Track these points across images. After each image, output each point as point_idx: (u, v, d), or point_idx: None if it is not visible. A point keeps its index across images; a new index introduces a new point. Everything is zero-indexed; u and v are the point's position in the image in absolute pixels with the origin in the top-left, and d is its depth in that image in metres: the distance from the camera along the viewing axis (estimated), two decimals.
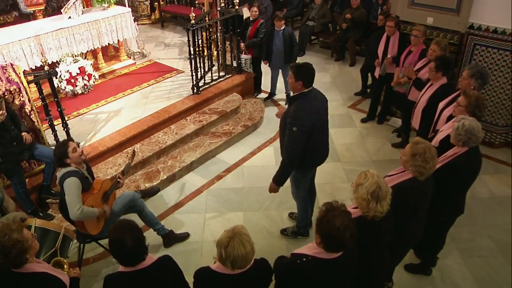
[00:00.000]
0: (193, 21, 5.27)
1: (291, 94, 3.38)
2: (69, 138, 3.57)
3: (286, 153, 3.32)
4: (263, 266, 2.34)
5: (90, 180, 3.43)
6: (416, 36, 4.80)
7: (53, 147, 4.29)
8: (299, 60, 7.08)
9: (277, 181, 3.46)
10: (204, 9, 6.89)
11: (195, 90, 5.75)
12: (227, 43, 6.28)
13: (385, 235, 2.49)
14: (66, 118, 4.58)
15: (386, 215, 2.34)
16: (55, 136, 4.43)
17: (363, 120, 5.94)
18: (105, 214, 3.36)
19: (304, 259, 2.17)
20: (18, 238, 2.15)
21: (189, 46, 5.51)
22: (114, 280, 2.29)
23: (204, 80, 5.97)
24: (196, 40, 5.46)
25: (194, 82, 5.69)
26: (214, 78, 6.03)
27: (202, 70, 5.92)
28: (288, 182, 3.96)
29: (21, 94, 4.04)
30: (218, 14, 6.31)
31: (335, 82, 7.11)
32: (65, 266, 2.75)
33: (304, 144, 3.22)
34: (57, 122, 4.56)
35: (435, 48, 4.41)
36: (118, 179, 3.56)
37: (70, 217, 3.21)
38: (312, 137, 3.23)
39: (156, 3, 9.57)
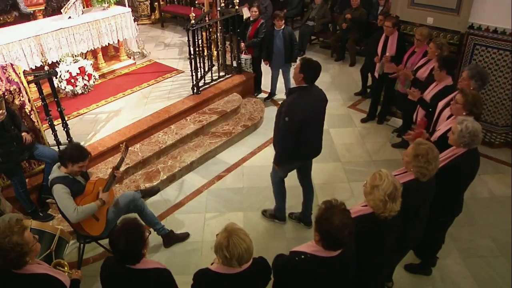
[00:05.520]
0: (193, 21, 5.27)
1: (292, 88, 3.53)
2: (90, 154, 3.34)
3: (280, 139, 3.53)
4: (262, 264, 2.35)
5: (83, 183, 3.37)
6: (419, 40, 4.83)
7: (53, 147, 4.31)
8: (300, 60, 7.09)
9: (276, 162, 3.71)
10: (204, 9, 6.89)
11: (195, 90, 5.75)
12: (227, 43, 6.28)
13: (393, 233, 2.49)
14: (66, 118, 4.58)
15: (397, 214, 2.36)
16: (55, 136, 4.43)
17: (363, 120, 5.94)
18: (105, 204, 3.32)
19: (302, 256, 2.18)
20: (18, 241, 2.13)
21: (189, 46, 5.51)
22: (109, 264, 2.38)
23: (204, 80, 5.96)
24: (196, 40, 5.45)
25: (194, 82, 5.69)
26: (214, 78, 6.03)
27: (202, 70, 5.92)
28: (286, 183, 4.07)
29: (21, 94, 4.04)
30: (218, 14, 6.31)
31: (335, 82, 7.11)
32: (66, 267, 2.75)
33: (295, 134, 3.37)
34: (57, 122, 4.56)
35: (431, 46, 4.48)
36: (115, 174, 3.52)
37: (70, 221, 3.21)
38: (301, 132, 3.37)
39: (156, 3, 9.56)
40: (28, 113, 4.15)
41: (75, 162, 3.18)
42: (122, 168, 4.52)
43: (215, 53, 6.46)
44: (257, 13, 6.05)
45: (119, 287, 2.35)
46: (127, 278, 2.29)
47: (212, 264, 2.30)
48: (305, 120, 3.33)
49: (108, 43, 6.27)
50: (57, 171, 3.23)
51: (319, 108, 3.50)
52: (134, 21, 6.56)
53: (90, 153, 3.33)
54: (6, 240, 2.11)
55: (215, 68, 6.18)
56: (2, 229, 2.18)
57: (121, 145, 3.75)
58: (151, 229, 3.84)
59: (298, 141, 3.43)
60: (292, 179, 4.12)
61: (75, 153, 3.18)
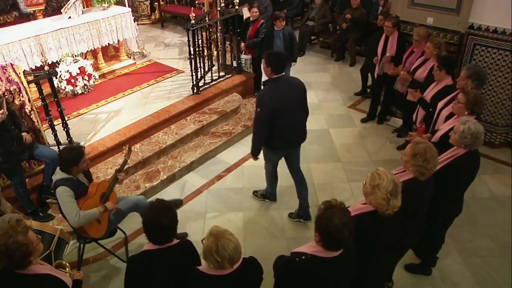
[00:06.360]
0: (193, 21, 5.27)
1: (264, 81, 3.70)
2: (83, 146, 3.39)
3: (253, 130, 3.80)
4: (252, 263, 2.36)
5: (87, 184, 3.37)
6: (417, 40, 4.83)
7: (53, 147, 4.31)
8: (299, 60, 7.10)
9: (252, 153, 3.89)
10: (204, 9, 6.89)
11: (195, 90, 5.75)
12: (227, 43, 6.28)
13: (394, 230, 2.50)
14: (66, 118, 4.58)
15: (398, 209, 2.37)
16: (55, 136, 4.43)
17: (363, 120, 5.94)
18: (107, 211, 3.32)
19: (303, 257, 2.18)
20: (23, 241, 2.14)
21: (189, 46, 5.51)
22: (139, 258, 2.43)
23: (204, 80, 5.96)
24: (196, 40, 5.45)
25: (194, 82, 5.69)
26: (214, 78, 6.03)
27: (202, 70, 5.92)
28: (284, 183, 4.17)
29: (21, 94, 4.04)
30: (218, 14, 6.31)
31: (335, 82, 7.11)
32: (67, 268, 2.75)
33: (267, 124, 3.57)
34: (57, 122, 4.57)
35: (429, 45, 4.49)
36: (118, 176, 3.53)
37: (71, 225, 3.20)
38: (276, 120, 3.56)
39: (156, 3, 9.56)
40: (28, 113, 4.15)
41: (78, 162, 3.18)
42: None
43: (215, 53, 6.46)
44: (257, 13, 6.06)
45: (155, 273, 2.36)
46: (163, 259, 2.35)
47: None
48: (277, 109, 3.51)
49: (108, 43, 6.27)
50: (61, 172, 3.22)
51: (294, 96, 3.64)
52: (134, 21, 6.56)
53: (83, 146, 3.41)
54: (11, 240, 2.11)
55: (215, 68, 6.18)
56: (5, 230, 2.18)
57: (124, 147, 3.75)
58: None
59: (274, 130, 3.60)
60: (289, 179, 4.13)
61: (73, 154, 3.18)
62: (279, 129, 3.62)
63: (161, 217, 2.31)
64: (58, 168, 3.27)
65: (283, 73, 3.59)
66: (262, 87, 3.73)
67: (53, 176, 3.28)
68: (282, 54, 3.67)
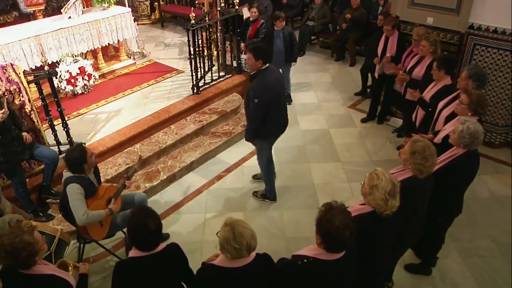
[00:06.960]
0: (193, 21, 5.27)
1: (252, 74, 3.84)
2: (83, 143, 3.44)
3: (250, 120, 4.01)
4: (265, 259, 2.33)
5: (96, 184, 3.37)
6: (416, 40, 4.82)
7: (53, 147, 4.31)
8: (299, 60, 7.10)
9: (246, 138, 4.19)
10: (204, 9, 6.89)
11: (195, 90, 5.75)
12: (227, 43, 6.28)
13: (393, 230, 2.49)
14: (66, 118, 4.58)
15: (396, 209, 2.36)
16: (55, 136, 4.43)
17: (363, 120, 5.94)
18: (112, 214, 3.32)
19: (305, 260, 2.16)
20: (29, 241, 2.14)
21: (189, 46, 5.51)
22: (125, 265, 2.37)
23: (204, 80, 5.96)
24: (196, 40, 5.46)
25: (194, 82, 5.69)
26: (214, 78, 6.03)
27: (202, 70, 5.92)
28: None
29: (21, 94, 4.04)
30: (218, 14, 6.31)
31: (335, 82, 7.11)
32: (70, 267, 2.75)
33: (264, 113, 3.79)
34: (57, 122, 4.56)
35: (425, 43, 4.47)
36: (125, 183, 3.54)
37: (76, 222, 3.19)
38: (270, 109, 3.79)
39: (156, 3, 9.56)
40: (28, 113, 4.15)
41: (85, 159, 3.17)
42: (122, 168, 4.54)
43: (215, 53, 6.46)
44: (257, 13, 6.05)
45: (142, 282, 2.31)
46: (150, 266, 2.30)
47: (208, 260, 2.30)
48: (272, 98, 3.75)
49: (108, 43, 6.27)
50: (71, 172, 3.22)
51: (278, 84, 3.92)
52: (134, 21, 6.56)
53: (83, 143, 3.46)
54: (17, 240, 2.11)
55: (215, 68, 6.18)
56: (11, 229, 2.19)
57: (132, 153, 3.75)
58: None
59: (269, 118, 3.81)
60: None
61: (77, 154, 3.17)
62: (273, 116, 3.85)
63: (147, 221, 2.26)
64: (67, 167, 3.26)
65: (268, 64, 3.78)
66: (250, 81, 3.88)
67: (63, 172, 3.26)
68: (263, 45, 3.96)
